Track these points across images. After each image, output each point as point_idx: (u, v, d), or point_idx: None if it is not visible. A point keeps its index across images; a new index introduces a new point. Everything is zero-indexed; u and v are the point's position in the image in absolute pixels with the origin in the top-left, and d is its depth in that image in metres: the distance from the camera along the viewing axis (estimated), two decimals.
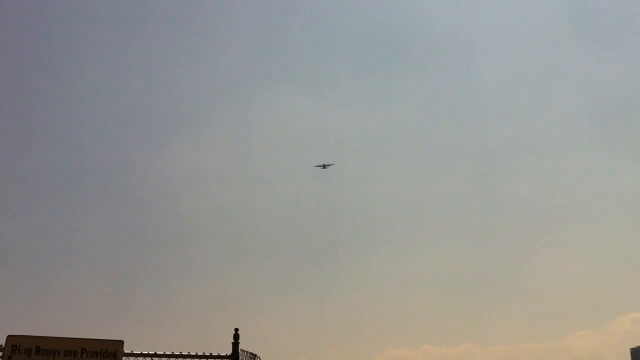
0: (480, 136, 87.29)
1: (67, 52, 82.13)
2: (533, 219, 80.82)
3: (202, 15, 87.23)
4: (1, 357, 8.91)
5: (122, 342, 9.13)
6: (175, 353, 9.27)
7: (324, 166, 42.92)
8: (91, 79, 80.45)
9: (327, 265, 72.09)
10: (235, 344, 9.39)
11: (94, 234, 69.18)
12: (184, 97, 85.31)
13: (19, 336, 9.05)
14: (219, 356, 9.36)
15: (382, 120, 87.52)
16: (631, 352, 67.67)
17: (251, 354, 9.59)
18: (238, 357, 9.36)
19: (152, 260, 72.45)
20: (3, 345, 8.95)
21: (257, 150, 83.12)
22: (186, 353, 9.29)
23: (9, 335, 9.03)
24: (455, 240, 79.68)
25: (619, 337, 68.98)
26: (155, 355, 9.23)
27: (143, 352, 9.21)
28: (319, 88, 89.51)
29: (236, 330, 9.44)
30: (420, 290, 75.54)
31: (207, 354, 9.34)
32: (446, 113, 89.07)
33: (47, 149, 76.16)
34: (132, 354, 9.19)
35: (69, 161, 78.70)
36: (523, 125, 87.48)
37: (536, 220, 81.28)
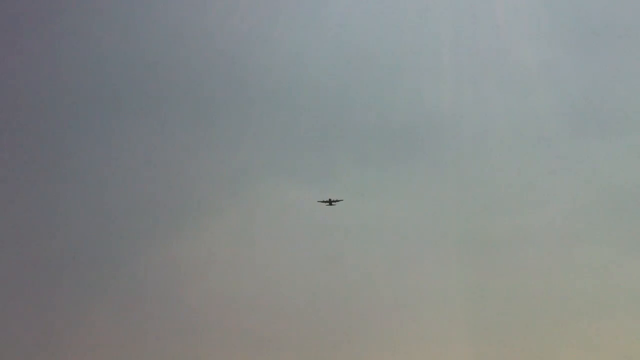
0: (486, 227, 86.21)
1: (69, 143, 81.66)
2: (540, 313, 79.08)
3: (203, 107, 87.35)
4: None
5: None
6: None
7: (330, 202, 41.20)
8: (95, 170, 79.87)
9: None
10: None
11: (97, 328, 67.85)
12: (188, 189, 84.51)
13: None
14: None
15: (387, 210, 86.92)
16: None
17: None
18: None
19: (158, 355, 70.89)
20: None
21: (260, 241, 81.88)
22: None
23: None
24: (460, 333, 78.01)
25: None
26: None
27: None
28: (322, 178, 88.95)
29: None
30: None
31: None
32: (452, 203, 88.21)
33: (49, 239, 75.29)
34: None
35: (69, 256, 77.79)
36: (529, 217, 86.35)
37: (543, 314, 79.45)
